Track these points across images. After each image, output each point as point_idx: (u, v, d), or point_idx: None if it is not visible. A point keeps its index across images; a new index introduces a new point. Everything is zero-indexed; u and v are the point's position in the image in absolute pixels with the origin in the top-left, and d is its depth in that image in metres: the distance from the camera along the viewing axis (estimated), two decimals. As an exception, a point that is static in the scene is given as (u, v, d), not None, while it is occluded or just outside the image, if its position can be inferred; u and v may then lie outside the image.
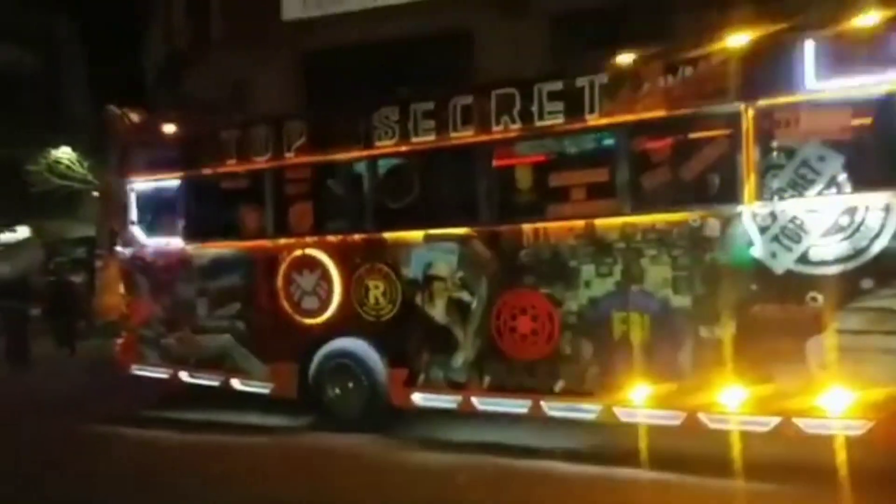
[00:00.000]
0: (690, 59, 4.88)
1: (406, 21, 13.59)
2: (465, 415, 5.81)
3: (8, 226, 21.71)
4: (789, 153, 4.59)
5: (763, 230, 4.65)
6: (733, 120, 4.70)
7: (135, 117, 7.69)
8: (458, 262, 5.73)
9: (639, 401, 5.04)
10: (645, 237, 5.03)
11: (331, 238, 6.36)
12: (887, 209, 4.31)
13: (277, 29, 14.46)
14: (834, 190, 4.49)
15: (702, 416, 4.85)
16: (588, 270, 5.24)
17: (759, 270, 4.65)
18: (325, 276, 6.36)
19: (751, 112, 4.64)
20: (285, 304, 6.56)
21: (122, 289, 7.64)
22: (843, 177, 4.46)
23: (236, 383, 6.86)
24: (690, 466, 4.80)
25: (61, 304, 12.34)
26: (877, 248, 4.34)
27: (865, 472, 4.29)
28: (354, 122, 6.17)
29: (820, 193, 4.52)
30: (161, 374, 7.33)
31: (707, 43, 4.87)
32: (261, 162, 6.62)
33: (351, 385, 6.34)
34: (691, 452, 4.93)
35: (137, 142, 7.50)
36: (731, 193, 4.75)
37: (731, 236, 4.75)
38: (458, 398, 5.74)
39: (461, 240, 5.72)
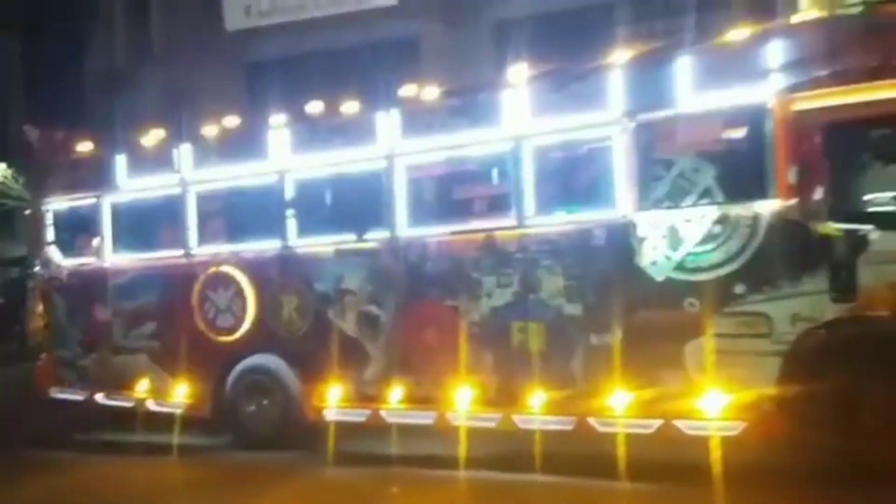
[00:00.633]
0: (578, 75, 5.24)
1: (352, 30, 13.90)
2: (375, 428, 6.03)
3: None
4: (668, 165, 4.93)
5: (644, 239, 4.98)
6: (615, 133, 5.04)
7: (54, 136, 7.82)
8: (368, 276, 5.97)
9: (535, 408, 5.31)
10: (540, 247, 5.33)
11: (244, 254, 6.56)
12: (756, 218, 4.66)
13: (220, 40, 14.65)
14: (708, 200, 4.83)
15: (592, 421, 5.12)
16: (489, 281, 5.51)
17: (642, 278, 4.96)
18: (239, 293, 6.54)
19: (631, 126, 4.99)
20: (199, 323, 6.71)
21: (40, 309, 7.73)
22: (716, 187, 4.81)
23: (152, 404, 6.95)
24: (584, 469, 5.04)
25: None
26: (747, 255, 4.67)
27: (741, 471, 4.60)
28: (265, 137, 6.42)
29: (695, 204, 4.85)
30: (78, 396, 7.40)
31: (594, 58, 5.24)
32: (174, 179, 6.83)
33: (266, 402, 6.48)
34: (588, 456, 5.19)
35: (54, 161, 7.61)
36: (614, 204, 5.06)
37: (615, 246, 5.06)
38: (368, 412, 5.95)
39: (370, 253, 5.97)
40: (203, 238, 6.77)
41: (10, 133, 23.24)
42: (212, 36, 14.56)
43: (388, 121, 5.86)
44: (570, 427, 5.21)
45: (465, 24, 13.39)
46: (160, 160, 6.90)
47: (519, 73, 5.41)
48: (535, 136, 5.35)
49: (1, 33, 25.50)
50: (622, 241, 5.04)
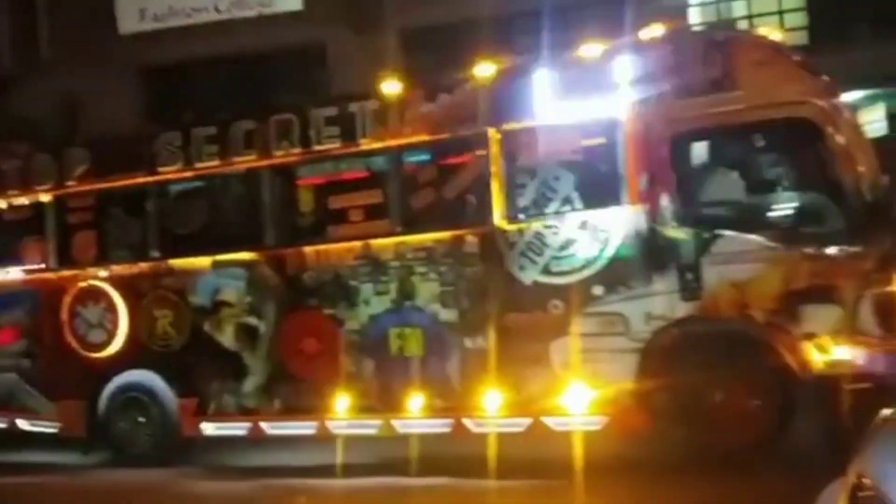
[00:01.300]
0: (447, 87, 5.51)
1: (255, 35, 13.79)
2: (257, 441, 6.09)
3: None
4: (532, 174, 5.27)
5: (512, 245, 5.28)
6: (483, 143, 5.33)
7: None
8: (246, 288, 6.00)
9: (414, 412, 5.53)
10: (415, 255, 5.54)
11: (116, 268, 6.46)
12: (611, 224, 5.04)
13: (114, 43, 14.22)
14: (568, 207, 5.19)
15: (467, 422, 5.38)
16: (367, 289, 5.68)
17: (511, 283, 5.25)
18: (111, 308, 6.43)
19: (497, 136, 5.30)
20: (71, 339, 6.54)
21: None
22: (575, 195, 5.17)
23: (23, 423, 6.72)
24: (461, 470, 5.25)
25: None
26: (604, 258, 5.04)
27: (605, 463, 4.96)
28: (138, 149, 6.36)
29: (557, 210, 5.20)
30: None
31: (462, 71, 5.53)
32: (42, 191, 6.66)
33: (141, 419, 6.38)
34: (465, 456, 5.43)
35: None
36: (484, 212, 5.33)
37: (486, 252, 5.33)
38: (248, 425, 5.99)
39: (248, 265, 6.00)
40: (73, 251, 6.63)
41: None
42: (105, 39, 14.14)
43: (260, 130, 5.95)
44: (446, 429, 5.45)
45: (373, 31, 13.60)
46: (30, 170, 6.72)
47: (392, 85, 5.63)
48: (408, 146, 5.58)
49: None
50: (492, 247, 5.32)
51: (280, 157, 5.92)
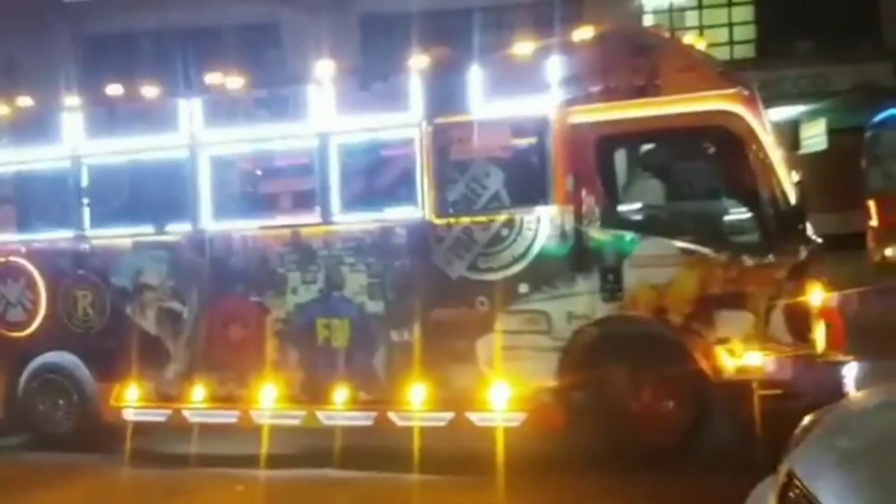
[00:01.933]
0: (381, 75, 5.52)
1: (207, 10, 13.52)
2: (178, 428, 6.13)
3: None
4: (462, 169, 5.33)
5: (440, 239, 5.36)
6: (415, 135, 5.37)
7: None
8: (169, 270, 5.99)
9: (339, 404, 5.62)
10: (344, 245, 5.58)
11: (37, 245, 6.37)
12: (538, 222, 5.16)
13: (57, 10, 13.79)
14: (497, 204, 5.28)
15: (391, 415, 5.49)
16: (295, 277, 5.71)
17: (439, 277, 5.33)
18: (31, 286, 6.33)
19: (429, 129, 5.34)
20: (-12, 318, 6.49)
21: None
22: (504, 192, 5.26)
23: (-60, 403, 6.65)
24: (383, 463, 5.38)
25: None
26: (530, 256, 5.15)
27: (525, 459, 5.13)
28: (61, 120, 6.23)
29: (486, 206, 5.28)
30: None
31: (398, 61, 5.54)
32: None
33: (61, 402, 6.33)
34: (390, 449, 5.56)
35: None
36: (414, 204, 5.40)
37: (414, 245, 5.39)
38: (169, 412, 6.01)
39: (172, 246, 5.99)
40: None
41: None
42: (45, 4, 13.69)
43: (190, 108, 5.88)
44: (370, 423, 5.55)
45: (330, 13, 13.47)
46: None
47: (325, 69, 5.61)
48: (340, 133, 5.57)
49: None
50: (421, 240, 5.38)
51: (210, 137, 5.87)
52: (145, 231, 6.04)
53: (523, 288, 5.18)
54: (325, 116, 5.57)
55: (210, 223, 5.89)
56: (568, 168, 5.04)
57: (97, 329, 6.17)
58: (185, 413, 5.96)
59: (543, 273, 5.14)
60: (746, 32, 15.80)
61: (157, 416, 6.06)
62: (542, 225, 5.12)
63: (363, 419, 5.57)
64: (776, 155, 4.83)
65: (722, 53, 15.70)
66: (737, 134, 4.77)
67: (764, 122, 4.86)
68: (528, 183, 5.20)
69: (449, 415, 5.35)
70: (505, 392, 5.22)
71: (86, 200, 6.19)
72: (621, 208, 5.15)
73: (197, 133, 5.86)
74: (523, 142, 5.28)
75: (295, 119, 5.65)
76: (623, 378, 5.05)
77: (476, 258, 5.28)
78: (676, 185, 5.06)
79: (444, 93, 5.30)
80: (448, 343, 5.33)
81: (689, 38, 5.15)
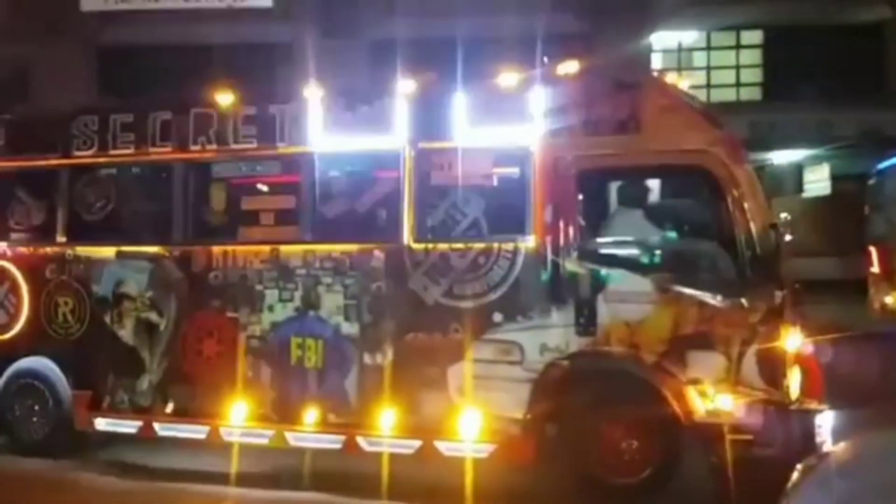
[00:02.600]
0: (367, 98, 5.53)
1: (221, 27, 13.73)
2: (148, 440, 6.06)
3: None
4: (442, 195, 5.30)
5: (418, 264, 5.32)
6: (397, 159, 5.36)
7: None
8: (149, 282, 5.96)
9: (308, 425, 5.54)
10: (322, 265, 5.55)
11: (22, 249, 6.38)
12: (515, 252, 5.11)
13: (74, 18, 14.03)
14: (475, 231, 5.24)
15: (360, 440, 5.40)
16: (272, 295, 5.68)
17: (414, 302, 5.28)
18: (15, 290, 6.32)
19: (411, 153, 5.33)
20: (-30, 319, 6.48)
21: None
22: (483, 220, 5.22)
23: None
24: (348, 488, 5.30)
25: None
26: (506, 286, 5.10)
27: (492, 492, 5.02)
28: (53, 129, 6.27)
29: (464, 233, 5.25)
30: None
31: (382, 84, 5.55)
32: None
33: (36, 407, 6.29)
34: (356, 474, 5.49)
35: None
36: (393, 228, 5.36)
37: (392, 268, 5.35)
38: (140, 423, 5.94)
39: (152, 258, 5.95)
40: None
41: None
42: (65, 12, 13.94)
43: (180, 122, 5.91)
44: (338, 446, 5.46)
45: (343, 37, 13.65)
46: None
47: (311, 89, 5.63)
48: (324, 153, 5.59)
49: None
50: (398, 264, 5.34)
51: (195, 151, 5.89)
52: (127, 241, 6.04)
53: (497, 317, 5.13)
54: (311, 136, 5.57)
55: (191, 237, 5.89)
56: (547, 199, 5.01)
57: (75, 336, 6.15)
58: (156, 426, 5.90)
59: (518, 303, 5.08)
60: (753, 75, 15.83)
61: (128, 427, 6.00)
62: (519, 255, 5.08)
63: (332, 442, 5.49)
64: (755, 197, 4.77)
65: (728, 95, 15.76)
66: (715, 175, 4.73)
67: (744, 165, 4.82)
68: (507, 212, 5.17)
69: (417, 443, 5.27)
70: (475, 422, 5.13)
71: (72, 208, 6.20)
72: (598, 242, 5.09)
73: (184, 147, 5.88)
74: (504, 171, 5.26)
75: (280, 137, 5.66)
76: (591, 414, 4.96)
77: (452, 285, 5.23)
78: (654, 222, 5.00)
79: (429, 118, 5.30)
80: (420, 369, 5.27)
81: (671, 78, 5.11)
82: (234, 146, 5.79)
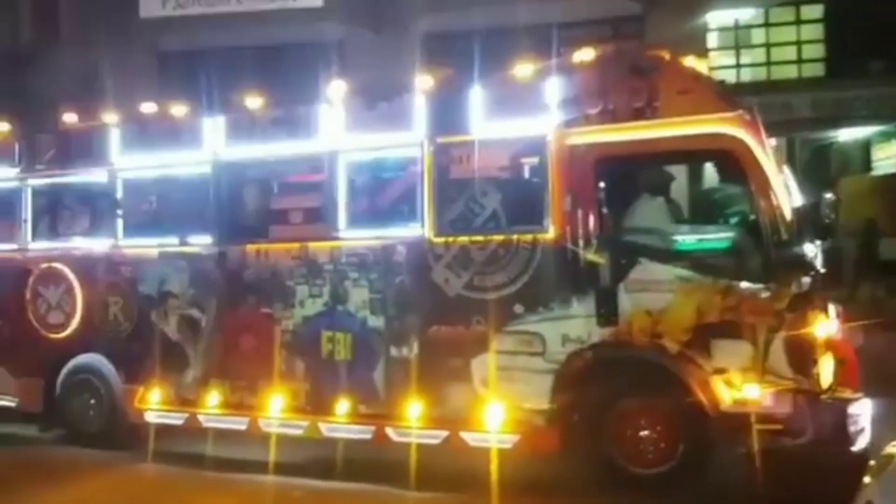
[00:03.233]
0: (387, 95, 5.57)
1: (274, 28, 14.07)
2: (195, 431, 6.31)
3: None
4: (462, 188, 5.30)
5: (439, 257, 5.34)
6: (417, 154, 5.39)
7: None
8: (190, 280, 6.22)
9: (340, 416, 5.66)
10: (349, 261, 5.65)
11: (75, 252, 6.74)
12: (534, 243, 5.07)
13: (134, 27, 14.63)
14: (494, 223, 5.22)
15: (389, 431, 5.49)
16: (302, 291, 5.81)
17: (437, 295, 5.31)
18: (69, 291, 6.70)
19: (431, 148, 5.35)
20: (32, 318, 6.84)
21: None
22: (501, 212, 5.20)
23: (-14, 397, 7.11)
24: (380, 477, 5.38)
25: None
26: (526, 277, 5.06)
27: (517, 481, 5.01)
28: (96, 136, 6.60)
29: (483, 226, 5.24)
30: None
31: (405, 80, 5.59)
32: (12, 174, 6.98)
33: (92, 401, 6.66)
34: (388, 463, 5.55)
35: None
36: (414, 222, 5.41)
37: (414, 262, 5.40)
38: (186, 416, 6.21)
39: (192, 258, 6.20)
40: (38, 233, 6.93)
41: None
42: (124, 21, 14.55)
43: (214, 126, 6.12)
44: (368, 436, 5.57)
45: (393, 33, 13.77)
46: (4, 152, 7.04)
47: (336, 90, 5.72)
48: (348, 151, 5.67)
49: None
50: (421, 258, 5.38)
51: (230, 154, 6.08)
52: (170, 242, 6.29)
53: (518, 309, 5.10)
54: (335, 135, 5.66)
55: (226, 236, 6.08)
56: (565, 189, 4.95)
57: (125, 333, 6.47)
58: (200, 418, 6.14)
59: (539, 294, 5.04)
60: (816, 51, 15.04)
61: (175, 419, 6.27)
62: (538, 246, 5.03)
63: (362, 433, 5.59)
64: (777, 180, 4.58)
65: (790, 72, 15.05)
66: (736, 158, 4.56)
67: (765, 146, 4.63)
68: (525, 203, 5.13)
69: (444, 433, 5.31)
70: (499, 413, 5.13)
71: (118, 211, 6.51)
72: (618, 231, 4.99)
73: (218, 149, 6.08)
74: (522, 162, 5.22)
75: (307, 137, 5.77)
76: (615, 404, 4.88)
77: (473, 277, 5.23)
78: (675, 208, 4.86)
79: (446, 112, 5.30)
80: (444, 361, 5.30)
81: (690, 60, 4.93)
82: (265, 147, 5.95)
